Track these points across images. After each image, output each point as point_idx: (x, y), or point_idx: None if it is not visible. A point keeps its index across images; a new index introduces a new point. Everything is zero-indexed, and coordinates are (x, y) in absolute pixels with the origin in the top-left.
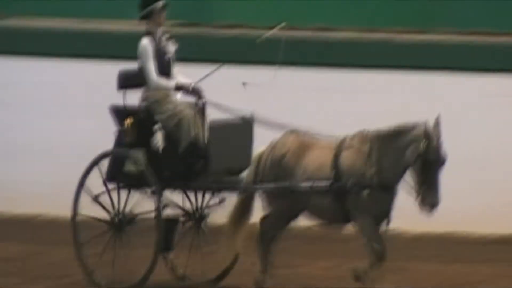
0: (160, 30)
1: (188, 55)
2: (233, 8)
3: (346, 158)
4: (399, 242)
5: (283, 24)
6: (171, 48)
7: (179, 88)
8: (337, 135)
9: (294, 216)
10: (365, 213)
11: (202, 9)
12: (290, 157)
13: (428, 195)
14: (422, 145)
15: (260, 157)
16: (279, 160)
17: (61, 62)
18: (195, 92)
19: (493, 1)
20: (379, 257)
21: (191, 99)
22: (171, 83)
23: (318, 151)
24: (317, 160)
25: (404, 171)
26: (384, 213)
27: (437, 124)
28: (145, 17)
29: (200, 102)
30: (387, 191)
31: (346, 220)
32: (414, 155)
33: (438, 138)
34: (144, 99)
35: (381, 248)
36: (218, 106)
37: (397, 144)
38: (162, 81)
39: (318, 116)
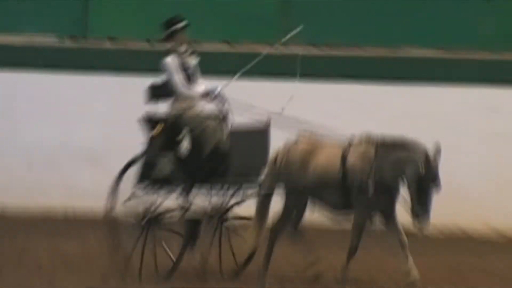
0: (182, 47)
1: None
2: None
3: (353, 159)
4: None
5: (300, 27)
6: (192, 62)
7: (205, 95)
8: (343, 136)
9: (302, 211)
10: (363, 210)
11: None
12: (302, 157)
13: (420, 215)
14: (422, 167)
15: (276, 157)
16: (293, 160)
17: None
18: (219, 98)
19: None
20: (352, 251)
21: (215, 105)
22: (198, 91)
23: (327, 152)
24: (327, 160)
25: (401, 180)
26: (383, 212)
27: (438, 151)
28: (168, 37)
29: (224, 109)
30: (386, 193)
31: (349, 212)
32: (413, 174)
33: (437, 164)
34: (172, 109)
35: (356, 244)
36: (242, 106)
37: (399, 155)
38: (190, 90)
39: None
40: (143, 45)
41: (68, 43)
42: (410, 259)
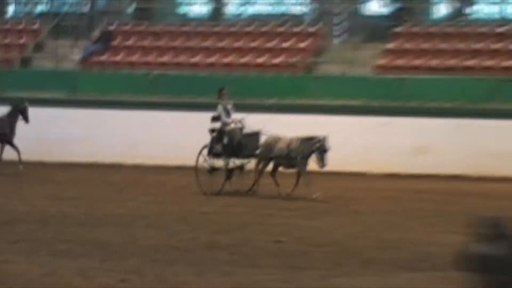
0: (224, 102)
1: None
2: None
3: (292, 145)
4: None
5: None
6: (229, 106)
7: (234, 121)
8: (289, 136)
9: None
10: (301, 165)
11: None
12: (272, 144)
13: (321, 164)
14: (320, 143)
15: (262, 144)
16: (268, 145)
17: None
18: (240, 122)
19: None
20: (308, 182)
21: (239, 124)
22: (230, 120)
23: (282, 142)
24: (282, 145)
25: (312, 153)
26: (304, 166)
27: (325, 136)
28: (219, 96)
29: (241, 125)
30: (305, 159)
31: (292, 167)
32: (316, 147)
33: (326, 140)
34: (220, 125)
35: (308, 179)
36: (248, 126)
37: (310, 142)
38: (227, 119)
39: None
40: (99, 95)
41: (67, 96)
42: (311, 187)
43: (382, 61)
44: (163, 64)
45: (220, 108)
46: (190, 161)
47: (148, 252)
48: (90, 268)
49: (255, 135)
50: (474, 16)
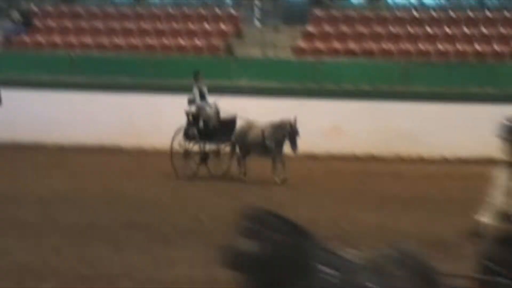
0: (199, 83)
1: None
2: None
3: (266, 131)
4: None
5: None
6: (204, 89)
7: (208, 105)
8: (264, 121)
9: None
10: (277, 151)
11: None
12: (246, 130)
13: (293, 147)
14: (291, 127)
15: (236, 131)
16: (242, 131)
17: None
18: (215, 106)
19: None
20: (283, 165)
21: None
22: (205, 103)
23: (256, 128)
24: (256, 132)
25: (284, 137)
26: (280, 152)
27: (295, 119)
28: (195, 79)
29: (217, 109)
30: (280, 145)
31: (266, 155)
32: (288, 132)
33: (296, 125)
34: (196, 109)
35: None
36: (224, 111)
37: (282, 126)
38: (202, 103)
39: None
40: (20, 75)
41: None
42: (286, 169)
43: (301, 44)
44: (84, 46)
45: (195, 91)
46: (110, 141)
47: (67, 231)
48: (9, 247)
49: (232, 119)
50: (391, 1)
